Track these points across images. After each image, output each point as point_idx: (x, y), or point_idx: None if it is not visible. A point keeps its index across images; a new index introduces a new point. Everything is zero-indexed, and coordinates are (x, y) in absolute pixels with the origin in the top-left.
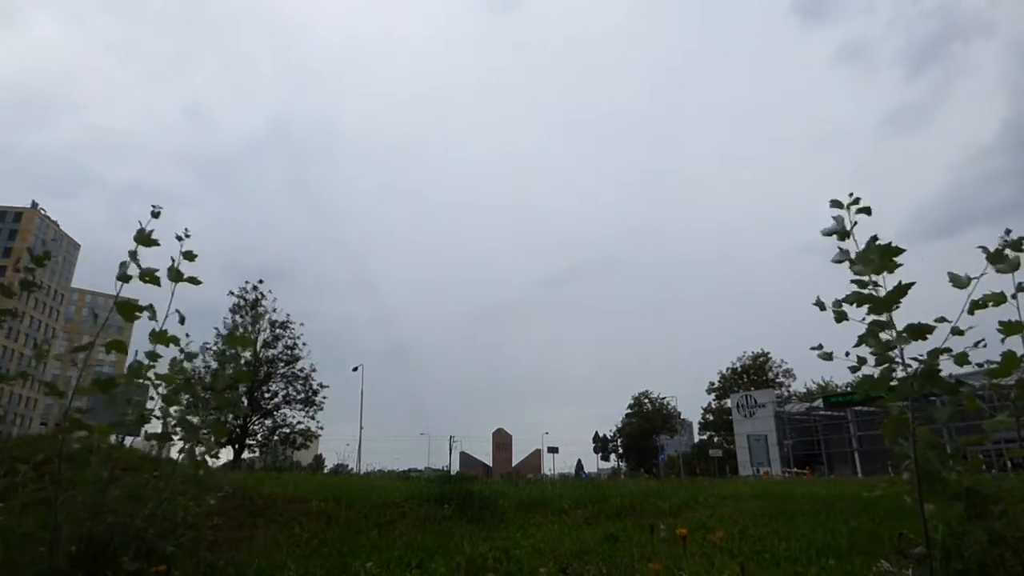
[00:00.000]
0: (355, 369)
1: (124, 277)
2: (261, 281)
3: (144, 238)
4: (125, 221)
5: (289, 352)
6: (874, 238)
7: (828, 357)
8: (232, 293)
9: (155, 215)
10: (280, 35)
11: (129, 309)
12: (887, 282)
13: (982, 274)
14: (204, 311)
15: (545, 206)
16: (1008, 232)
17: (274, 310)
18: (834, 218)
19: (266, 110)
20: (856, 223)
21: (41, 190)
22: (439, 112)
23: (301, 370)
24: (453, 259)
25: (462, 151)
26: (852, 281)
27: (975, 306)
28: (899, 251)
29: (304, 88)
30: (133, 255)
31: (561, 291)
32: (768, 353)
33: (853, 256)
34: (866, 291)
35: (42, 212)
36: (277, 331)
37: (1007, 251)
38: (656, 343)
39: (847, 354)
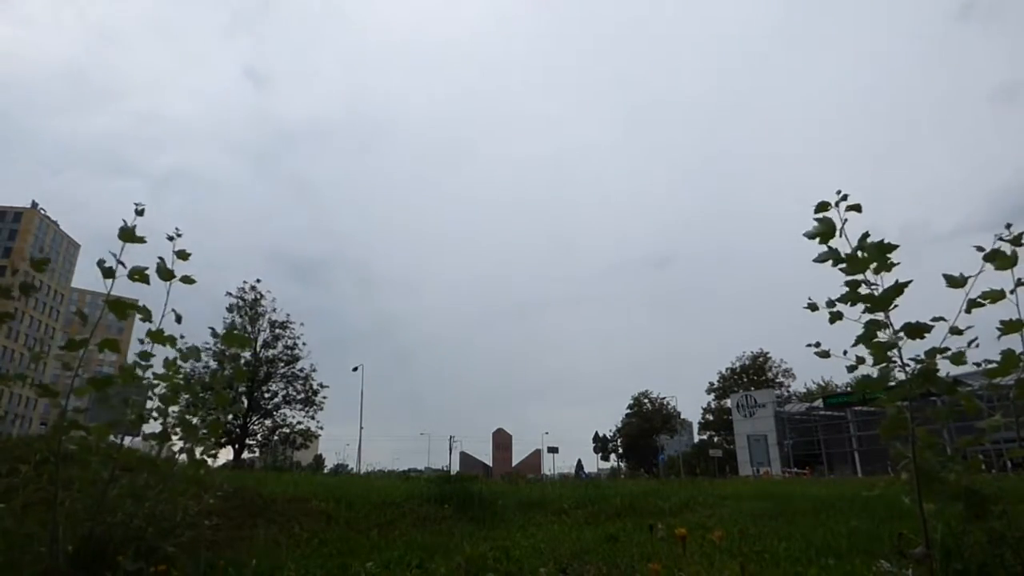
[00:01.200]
0: (355, 369)
1: (108, 273)
2: (259, 280)
3: (129, 235)
4: (162, 208)
5: (289, 352)
6: (865, 235)
7: (825, 355)
8: (230, 294)
9: (139, 213)
10: (336, 22)
11: (121, 307)
12: (884, 280)
13: (979, 272)
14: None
15: (550, 208)
16: (1008, 227)
17: (274, 310)
18: (817, 220)
19: (300, 103)
20: (846, 220)
21: (95, 172)
22: (448, 109)
23: (301, 370)
24: (454, 259)
25: (464, 151)
26: (845, 283)
27: (972, 304)
28: (892, 248)
29: (347, 81)
30: (117, 254)
31: (561, 292)
32: (768, 353)
33: (844, 255)
34: (861, 290)
35: (42, 212)
36: (277, 331)
37: (1003, 247)
38: (656, 343)
39: (845, 353)
